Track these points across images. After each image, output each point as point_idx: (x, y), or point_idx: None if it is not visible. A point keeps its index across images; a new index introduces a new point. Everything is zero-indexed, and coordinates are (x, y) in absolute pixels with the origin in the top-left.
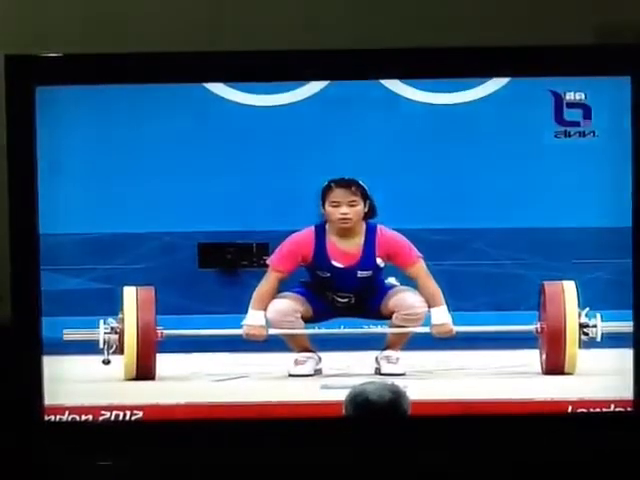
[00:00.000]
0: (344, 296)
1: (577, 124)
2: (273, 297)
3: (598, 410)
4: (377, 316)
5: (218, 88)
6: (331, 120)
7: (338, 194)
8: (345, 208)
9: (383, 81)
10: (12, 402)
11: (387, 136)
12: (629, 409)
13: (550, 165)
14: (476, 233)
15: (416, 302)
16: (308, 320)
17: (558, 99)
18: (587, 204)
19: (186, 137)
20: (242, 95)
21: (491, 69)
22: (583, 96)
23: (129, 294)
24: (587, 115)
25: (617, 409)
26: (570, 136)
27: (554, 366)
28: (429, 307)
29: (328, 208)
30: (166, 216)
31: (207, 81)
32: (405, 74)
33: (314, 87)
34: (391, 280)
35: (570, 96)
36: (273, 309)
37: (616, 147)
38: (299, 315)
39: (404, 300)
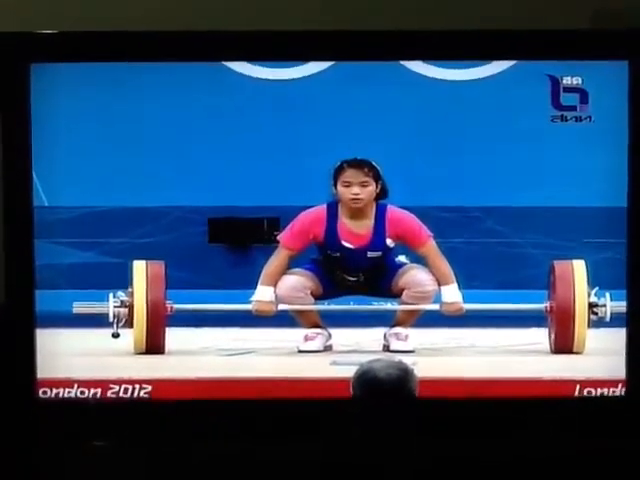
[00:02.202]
0: (354, 275)
1: (574, 108)
2: (282, 274)
3: (600, 390)
4: (387, 294)
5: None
6: (342, 95)
7: (350, 174)
8: (357, 188)
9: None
10: (12, 378)
11: (398, 112)
12: (622, 388)
13: (549, 148)
14: (487, 211)
15: (426, 280)
16: (318, 297)
17: (555, 83)
18: (589, 187)
19: (198, 111)
20: (254, 68)
21: (489, 52)
22: (580, 80)
23: (139, 268)
24: (584, 100)
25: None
26: (566, 120)
27: (563, 345)
28: (440, 285)
29: (340, 188)
30: (177, 190)
31: (210, 61)
32: (403, 56)
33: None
34: (401, 258)
35: (567, 80)
36: (283, 285)
37: (612, 131)
38: (309, 291)
39: (414, 278)
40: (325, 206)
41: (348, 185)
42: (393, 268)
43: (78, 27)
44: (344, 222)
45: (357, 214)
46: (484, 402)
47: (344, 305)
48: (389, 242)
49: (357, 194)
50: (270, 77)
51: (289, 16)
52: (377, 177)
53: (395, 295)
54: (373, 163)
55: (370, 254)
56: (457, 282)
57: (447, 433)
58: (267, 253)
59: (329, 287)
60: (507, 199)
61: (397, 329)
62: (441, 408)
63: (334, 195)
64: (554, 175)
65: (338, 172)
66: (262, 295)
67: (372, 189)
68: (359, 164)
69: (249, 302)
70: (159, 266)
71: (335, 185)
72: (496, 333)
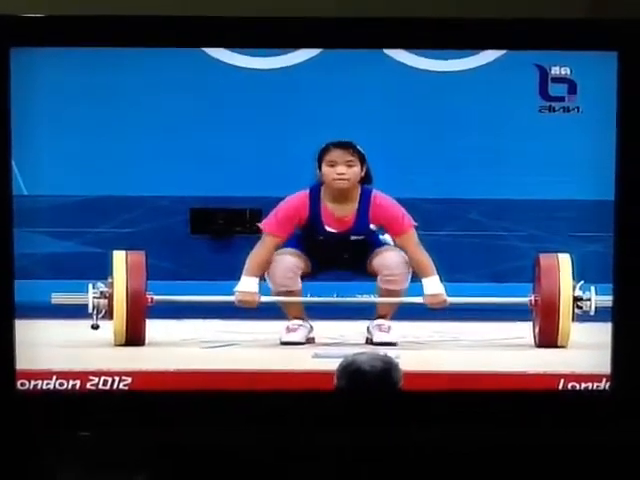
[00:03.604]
0: (338, 254)
1: (562, 99)
2: (269, 263)
3: (584, 385)
4: (366, 273)
5: (211, 49)
6: (326, 84)
7: (335, 154)
8: (342, 168)
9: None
10: None
11: (384, 104)
12: (606, 383)
13: (537, 139)
14: (472, 203)
15: (395, 263)
16: (306, 275)
17: (543, 73)
18: (576, 180)
19: (180, 100)
20: (238, 57)
21: (477, 41)
22: (569, 71)
23: (119, 258)
24: (572, 90)
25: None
26: (554, 111)
27: (547, 339)
28: (421, 277)
29: (325, 168)
30: (158, 180)
31: (193, 47)
32: (391, 44)
33: (311, 50)
34: (386, 237)
35: (555, 70)
36: (278, 265)
37: (600, 123)
38: (300, 272)
39: (385, 260)
40: (308, 190)
41: (333, 165)
42: (376, 246)
43: (59, 11)
44: (327, 206)
45: (341, 197)
46: (468, 396)
47: (327, 297)
48: (372, 227)
49: (342, 173)
50: (254, 66)
51: (274, 3)
52: (362, 160)
53: (371, 274)
54: (358, 146)
55: (353, 237)
56: (442, 275)
57: (431, 427)
58: (249, 244)
59: (315, 265)
60: (493, 191)
61: (380, 321)
62: (425, 401)
63: (318, 177)
64: (541, 167)
65: (323, 153)
66: (246, 286)
67: (357, 170)
68: (345, 145)
69: (231, 293)
70: (140, 256)
71: (320, 167)
72: (480, 327)
